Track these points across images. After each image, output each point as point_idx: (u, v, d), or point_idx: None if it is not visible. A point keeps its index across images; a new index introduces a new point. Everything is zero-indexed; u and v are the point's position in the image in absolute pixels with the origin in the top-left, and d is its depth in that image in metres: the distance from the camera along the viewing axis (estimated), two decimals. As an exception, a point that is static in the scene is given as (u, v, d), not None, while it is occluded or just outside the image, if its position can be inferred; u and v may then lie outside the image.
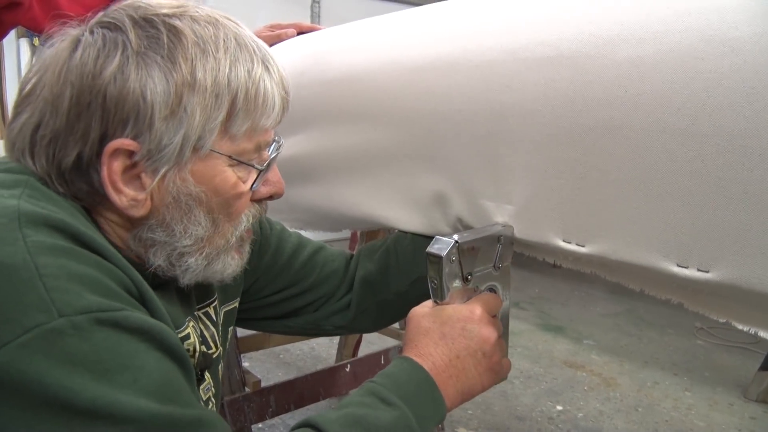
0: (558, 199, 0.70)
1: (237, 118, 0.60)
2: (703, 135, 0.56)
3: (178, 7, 0.60)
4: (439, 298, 0.68)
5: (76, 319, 0.47)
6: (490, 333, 0.67)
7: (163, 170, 0.58)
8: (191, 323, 0.70)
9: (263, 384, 1.65)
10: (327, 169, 1.02)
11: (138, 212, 0.59)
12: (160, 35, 0.57)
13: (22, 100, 0.60)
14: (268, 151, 0.66)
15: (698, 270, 0.61)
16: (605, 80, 0.62)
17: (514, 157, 0.72)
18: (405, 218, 0.91)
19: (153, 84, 0.56)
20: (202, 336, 0.72)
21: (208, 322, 0.76)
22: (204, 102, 0.57)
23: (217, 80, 0.58)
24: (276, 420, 2.07)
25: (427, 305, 0.69)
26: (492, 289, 0.75)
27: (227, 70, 0.59)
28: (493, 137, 0.74)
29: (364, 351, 2.28)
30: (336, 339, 2.58)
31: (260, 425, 2.10)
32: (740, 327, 0.63)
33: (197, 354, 0.68)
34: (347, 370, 1.81)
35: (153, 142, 0.57)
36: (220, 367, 0.78)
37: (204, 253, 0.64)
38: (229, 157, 0.61)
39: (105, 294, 0.50)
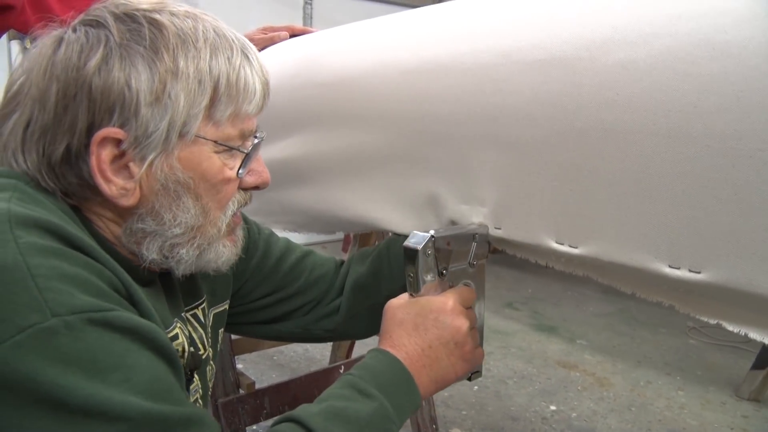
0: (550, 200, 0.70)
1: (220, 104, 0.61)
2: (693, 137, 0.57)
3: (157, 3, 0.62)
4: (415, 290, 0.70)
5: (69, 318, 0.47)
6: (461, 323, 0.69)
7: (150, 157, 0.59)
8: (179, 324, 0.70)
9: (257, 386, 1.65)
10: (321, 170, 1.02)
11: (128, 201, 0.60)
12: (141, 28, 0.59)
13: (9, 101, 0.60)
14: (252, 139, 0.67)
15: (690, 271, 0.62)
16: (597, 83, 0.63)
17: (507, 159, 0.73)
18: (398, 220, 0.91)
19: (137, 73, 0.57)
20: (190, 337, 0.73)
21: (197, 324, 0.76)
22: (187, 88, 0.59)
23: (198, 67, 0.60)
24: (270, 422, 2.07)
25: (403, 297, 0.71)
26: (467, 285, 0.76)
27: (208, 58, 0.60)
28: (485, 139, 0.74)
29: (357, 352, 2.28)
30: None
31: (254, 427, 2.10)
32: (730, 328, 0.64)
33: (186, 354, 0.69)
34: (341, 371, 1.81)
35: (139, 129, 0.58)
36: (208, 368, 0.78)
37: (195, 244, 0.65)
38: (215, 142, 0.62)
39: (96, 294, 0.51)
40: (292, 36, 1.29)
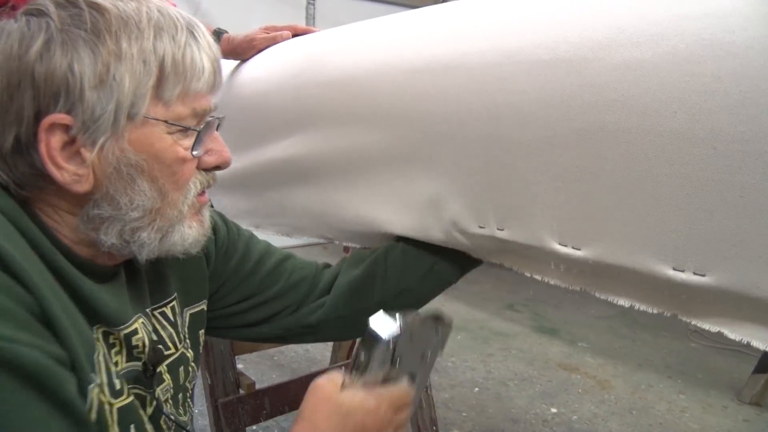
0: (554, 201, 0.70)
1: (168, 83, 0.61)
2: (699, 139, 0.56)
3: None
4: (359, 374, 0.65)
5: None
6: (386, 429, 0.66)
7: (100, 141, 0.58)
8: (142, 319, 0.69)
9: (258, 386, 1.64)
10: (322, 170, 1.02)
11: (81, 187, 0.59)
12: (82, 13, 0.58)
13: None
14: (208, 118, 0.66)
15: (694, 274, 0.61)
16: (601, 83, 0.62)
17: (510, 159, 0.72)
18: (398, 221, 0.90)
19: (79, 57, 0.57)
20: (157, 335, 0.72)
21: (165, 323, 0.75)
22: (132, 69, 0.58)
23: (142, 48, 0.59)
24: (270, 422, 2.06)
25: (335, 381, 0.65)
26: (412, 375, 0.70)
27: (152, 38, 0.60)
28: (488, 140, 0.74)
29: (358, 353, 2.27)
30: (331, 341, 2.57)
31: (254, 427, 2.09)
32: (732, 337, 0.63)
33: (147, 349, 0.68)
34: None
35: (86, 113, 0.57)
36: (183, 369, 0.77)
37: (156, 227, 0.63)
38: (165, 122, 0.61)
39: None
40: (295, 35, 1.29)
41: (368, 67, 0.88)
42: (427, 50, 0.80)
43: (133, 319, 0.68)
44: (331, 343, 2.57)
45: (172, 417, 0.72)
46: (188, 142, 0.64)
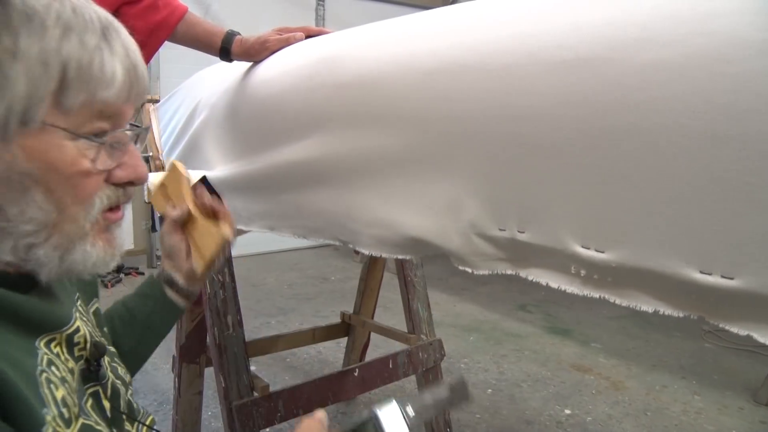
0: (577, 204, 0.69)
1: (70, 90, 0.55)
2: (728, 139, 0.55)
3: None
4: None
5: None
6: None
7: None
8: (78, 315, 0.67)
9: (271, 388, 1.64)
10: (338, 172, 1.01)
11: None
12: None
13: None
14: (122, 130, 0.61)
15: (722, 277, 0.60)
16: (625, 84, 0.61)
17: (531, 161, 0.71)
18: (416, 223, 0.89)
19: None
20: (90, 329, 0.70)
21: (86, 318, 0.73)
22: (29, 71, 0.53)
23: (44, 48, 0.53)
24: (284, 425, 2.06)
25: (321, 421, 0.68)
26: None
27: (57, 38, 0.54)
28: (509, 141, 0.73)
29: (371, 355, 2.27)
30: (343, 342, 2.57)
31: (268, 430, 2.09)
32: (762, 340, 0.62)
33: (88, 345, 0.66)
34: (356, 374, 1.80)
35: None
36: (106, 359, 0.73)
37: (53, 244, 0.58)
38: (65, 130, 0.55)
39: None
40: (308, 37, 1.29)
41: (386, 68, 0.87)
42: (445, 51, 0.79)
43: (73, 316, 0.66)
44: (343, 345, 2.57)
45: (125, 412, 0.72)
46: (94, 153, 0.58)
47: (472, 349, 3.26)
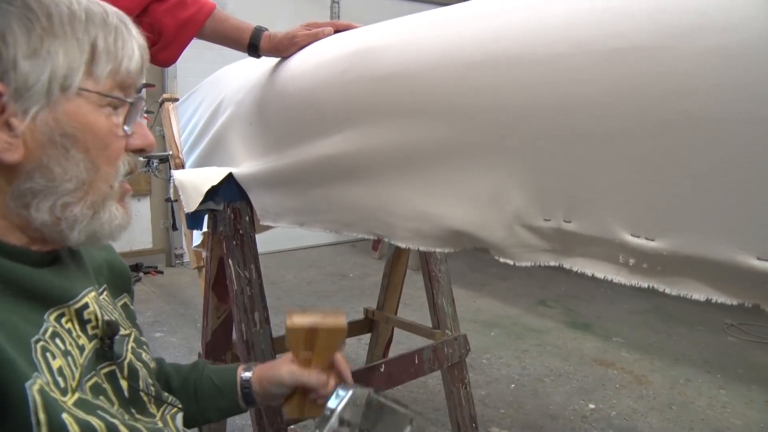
0: (629, 192, 0.68)
1: (100, 59, 0.62)
2: (790, 125, 0.54)
3: None
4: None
5: None
6: None
7: (33, 111, 0.59)
8: (93, 293, 0.71)
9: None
10: (374, 166, 1.01)
11: (12, 156, 0.59)
12: None
13: None
14: (136, 95, 0.68)
15: (782, 263, 0.59)
16: (682, 71, 0.60)
17: (581, 151, 0.71)
18: (458, 215, 0.89)
19: (12, 29, 0.58)
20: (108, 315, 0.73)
21: (111, 307, 0.77)
22: (66, 45, 0.60)
23: (75, 28, 0.61)
24: (310, 421, 2.06)
25: None
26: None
27: (83, 17, 0.62)
28: (557, 132, 0.72)
29: (393, 352, 2.27)
30: (366, 339, 2.57)
31: (293, 426, 2.09)
32: None
33: (101, 322, 0.69)
34: (382, 370, 1.79)
35: (19, 80, 0.58)
36: (140, 346, 0.79)
37: (89, 201, 0.64)
38: (98, 93, 0.63)
39: None
40: (336, 32, 1.28)
41: (426, 61, 0.86)
42: (490, 43, 0.78)
43: (83, 293, 0.69)
44: (365, 342, 2.57)
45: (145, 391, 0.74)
46: (117, 118, 0.65)
47: (494, 344, 3.26)
